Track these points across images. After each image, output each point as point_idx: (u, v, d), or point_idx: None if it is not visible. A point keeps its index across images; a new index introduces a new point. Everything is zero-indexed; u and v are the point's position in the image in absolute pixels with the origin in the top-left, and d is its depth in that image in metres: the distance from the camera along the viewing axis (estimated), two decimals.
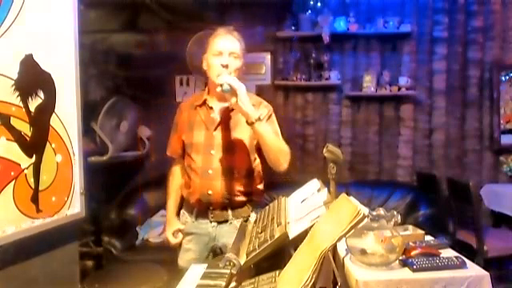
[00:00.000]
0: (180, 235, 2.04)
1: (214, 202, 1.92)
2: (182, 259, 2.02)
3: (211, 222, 1.96)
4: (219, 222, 1.95)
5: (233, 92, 1.72)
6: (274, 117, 1.98)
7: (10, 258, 1.59)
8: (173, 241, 2.05)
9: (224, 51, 1.87)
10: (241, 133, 1.92)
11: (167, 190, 2.14)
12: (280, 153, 1.86)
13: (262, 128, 1.79)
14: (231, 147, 1.92)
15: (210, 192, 1.91)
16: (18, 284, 1.66)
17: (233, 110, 1.91)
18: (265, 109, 1.94)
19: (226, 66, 1.85)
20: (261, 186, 2.04)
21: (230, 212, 1.94)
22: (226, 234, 1.92)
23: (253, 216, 1.94)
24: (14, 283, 1.64)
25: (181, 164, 2.09)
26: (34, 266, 1.72)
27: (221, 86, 1.73)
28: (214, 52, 1.88)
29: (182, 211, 2.08)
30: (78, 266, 2.06)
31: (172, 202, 2.11)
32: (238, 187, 1.93)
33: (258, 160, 1.99)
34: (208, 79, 1.97)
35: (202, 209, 1.96)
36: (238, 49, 1.90)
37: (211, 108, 1.96)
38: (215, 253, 2.00)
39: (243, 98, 1.73)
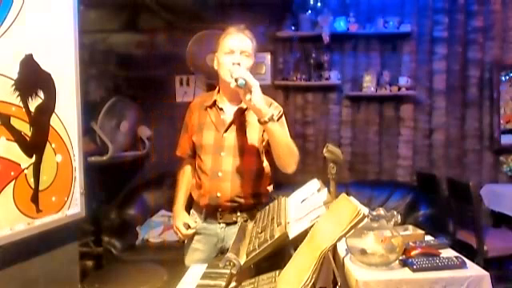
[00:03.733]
0: (190, 229, 1.98)
1: (223, 204, 1.90)
2: (190, 259, 1.99)
3: (220, 223, 1.94)
4: (228, 224, 1.93)
5: (247, 88, 1.67)
6: (283, 118, 1.96)
7: (10, 257, 1.59)
8: (184, 232, 1.98)
9: (236, 49, 1.84)
10: (251, 135, 1.90)
11: (177, 186, 2.09)
12: (290, 154, 1.83)
13: (275, 128, 1.75)
14: (241, 149, 1.89)
15: (218, 194, 1.88)
16: (18, 284, 1.66)
17: (244, 111, 1.89)
18: (276, 109, 1.91)
19: (238, 65, 1.81)
20: (270, 188, 2.02)
21: (238, 214, 1.92)
22: (235, 235, 1.90)
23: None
24: (14, 283, 1.64)
25: (190, 164, 2.07)
26: (33, 266, 1.71)
27: (236, 80, 1.67)
28: (226, 50, 1.86)
29: (192, 211, 2.05)
30: (77, 266, 2.05)
31: (181, 196, 2.07)
32: (247, 189, 1.90)
33: (266, 162, 1.96)
34: (218, 79, 1.94)
35: (211, 210, 1.94)
36: (249, 47, 1.87)
37: (221, 109, 1.93)
38: (223, 254, 1.97)
39: (258, 96, 1.68)
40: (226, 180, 1.88)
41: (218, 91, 1.98)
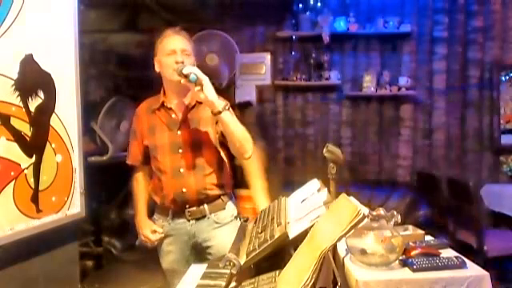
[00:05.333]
0: (158, 234, 2.02)
1: (190, 199, 1.94)
2: (165, 261, 2.04)
3: (189, 220, 1.97)
4: (197, 219, 1.97)
5: (198, 82, 1.75)
6: (231, 109, 2.00)
7: (10, 257, 1.59)
8: (153, 238, 2.02)
9: (177, 49, 1.91)
10: (204, 128, 1.95)
11: (134, 196, 2.13)
12: (245, 140, 1.90)
13: (228, 117, 1.82)
14: (198, 143, 1.94)
15: (184, 190, 1.92)
16: (18, 284, 1.66)
17: (193, 107, 1.96)
18: (224, 100, 1.95)
19: (182, 63, 1.87)
20: (230, 179, 2.08)
21: (206, 207, 1.96)
22: (205, 228, 1.96)
23: (229, 205, 2.00)
24: (14, 283, 1.64)
25: (143, 171, 2.11)
26: (33, 266, 1.72)
27: (187, 76, 1.75)
28: (167, 51, 1.92)
29: (156, 217, 2.07)
30: (78, 266, 2.05)
31: (142, 205, 2.11)
32: (211, 181, 1.95)
33: (222, 152, 2.01)
34: (163, 80, 2.00)
35: (178, 208, 1.97)
36: (188, 47, 1.95)
37: (170, 109, 1.98)
38: (196, 249, 2.01)
39: (209, 88, 1.76)
40: (189, 175, 1.93)
41: (164, 93, 2.02)
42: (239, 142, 1.88)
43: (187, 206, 1.95)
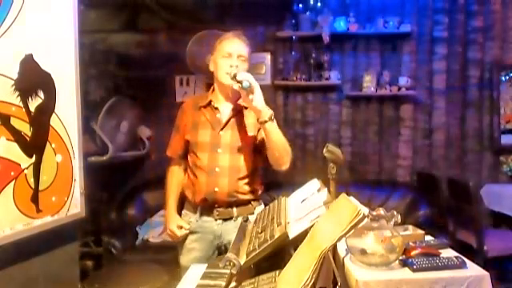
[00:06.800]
0: (184, 230, 2.02)
1: (220, 199, 1.95)
2: (186, 259, 2.02)
3: (216, 219, 1.98)
4: (224, 220, 1.98)
5: (250, 90, 1.76)
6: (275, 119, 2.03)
7: (10, 257, 1.59)
8: (178, 233, 2.02)
9: (233, 53, 1.93)
10: (247, 133, 1.97)
11: (167, 188, 2.13)
12: (286, 152, 1.92)
13: (273, 127, 1.84)
14: (237, 147, 1.96)
15: (216, 189, 1.94)
16: (18, 284, 1.66)
17: (239, 111, 1.97)
18: (269, 110, 1.97)
19: (236, 67, 1.89)
20: (261, 185, 2.09)
21: (235, 209, 1.98)
22: (232, 231, 1.93)
23: (258, 210, 1.97)
24: (14, 283, 1.64)
25: (179, 164, 2.11)
26: (33, 266, 1.71)
27: (239, 82, 1.76)
28: (224, 54, 1.94)
29: (184, 212, 2.08)
30: (78, 266, 2.05)
31: (173, 199, 2.11)
32: (244, 185, 1.97)
33: (259, 158, 2.02)
34: (215, 80, 2.02)
35: (207, 207, 1.98)
36: (245, 52, 1.96)
37: (217, 109, 2.00)
38: (220, 250, 2.01)
39: (259, 97, 1.79)
40: (223, 175, 1.94)
41: (213, 91, 2.04)
42: (279, 152, 1.90)
43: (216, 206, 1.97)
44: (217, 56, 1.97)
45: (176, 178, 2.12)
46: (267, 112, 1.81)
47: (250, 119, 1.95)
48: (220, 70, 1.94)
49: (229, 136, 1.96)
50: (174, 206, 2.10)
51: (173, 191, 2.11)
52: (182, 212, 2.09)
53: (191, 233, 2.02)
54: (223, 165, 1.95)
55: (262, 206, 2.06)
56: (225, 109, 2.00)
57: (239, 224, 1.90)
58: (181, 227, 2.02)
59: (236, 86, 1.79)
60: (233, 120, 1.98)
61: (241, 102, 1.94)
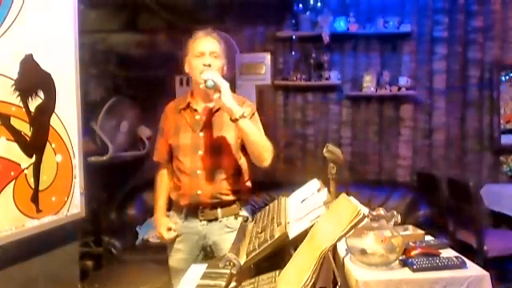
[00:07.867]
0: (172, 232, 2.05)
1: (203, 201, 1.96)
2: (173, 259, 2.06)
3: (201, 220, 1.99)
4: (209, 221, 1.99)
5: (216, 88, 1.77)
6: (257, 115, 2.03)
7: (10, 257, 1.59)
8: (167, 236, 2.05)
9: (205, 52, 1.92)
10: (226, 132, 1.96)
11: (156, 192, 2.16)
12: (263, 148, 1.91)
13: (246, 125, 1.84)
14: (218, 147, 1.96)
15: (199, 192, 1.95)
16: (18, 284, 1.66)
17: (217, 111, 1.97)
18: (248, 107, 1.98)
19: (209, 66, 1.89)
20: (248, 184, 2.08)
21: (219, 210, 1.98)
22: (216, 231, 1.97)
23: (243, 213, 1.98)
24: (14, 283, 1.64)
25: (167, 168, 2.13)
26: (33, 265, 1.72)
27: (205, 82, 1.77)
28: (196, 54, 1.93)
29: (172, 213, 2.10)
30: (78, 266, 2.06)
31: (162, 203, 2.13)
32: (227, 186, 1.97)
33: (243, 158, 2.02)
34: (191, 81, 2.03)
35: (192, 209, 2.00)
36: (217, 49, 1.95)
37: (195, 110, 2.01)
38: (205, 251, 2.02)
39: (226, 95, 1.78)
40: (205, 178, 1.94)
41: (192, 93, 2.05)
42: (257, 150, 1.90)
43: (201, 208, 1.97)
44: (190, 57, 1.96)
45: (164, 182, 2.14)
46: (238, 110, 1.80)
47: (228, 118, 1.91)
48: (194, 70, 1.93)
49: (209, 137, 1.96)
50: (162, 209, 2.12)
51: (162, 195, 2.14)
52: (169, 213, 2.11)
53: (177, 234, 2.04)
54: (204, 167, 1.95)
55: (249, 206, 2.07)
56: (203, 110, 2.00)
57: (224, 225, 1.97)
58: (170, 229, 2.04)
59: (202, 86, 1.80)
60: (212, 120, 1.97)
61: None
